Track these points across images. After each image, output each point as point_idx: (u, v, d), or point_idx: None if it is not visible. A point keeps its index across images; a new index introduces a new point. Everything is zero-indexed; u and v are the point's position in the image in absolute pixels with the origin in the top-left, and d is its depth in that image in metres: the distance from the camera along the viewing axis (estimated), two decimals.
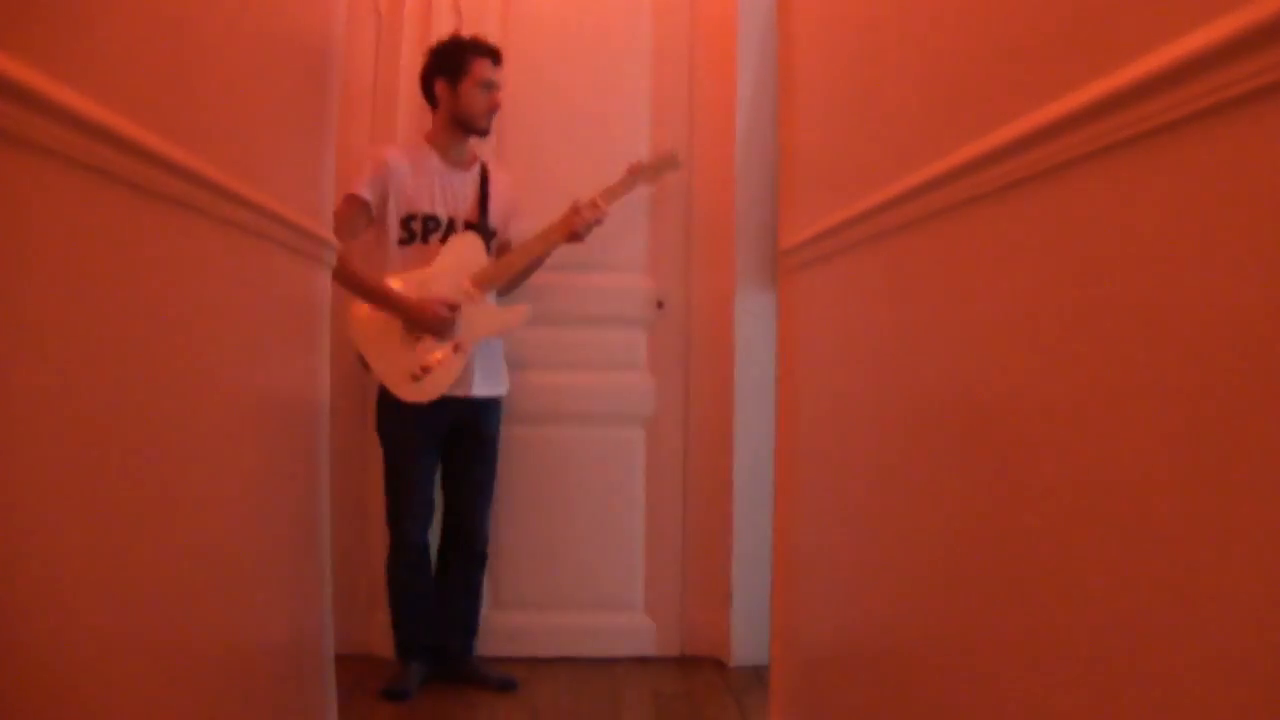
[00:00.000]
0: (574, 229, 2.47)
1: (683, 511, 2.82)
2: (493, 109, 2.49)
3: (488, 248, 2.51)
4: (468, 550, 2.55)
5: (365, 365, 2.47)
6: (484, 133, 2.52)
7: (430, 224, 2.47)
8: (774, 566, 1.97)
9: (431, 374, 2.39)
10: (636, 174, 2.57)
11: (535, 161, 2.79)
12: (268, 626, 1.50)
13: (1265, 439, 0.60)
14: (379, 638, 2.74)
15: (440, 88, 2.48)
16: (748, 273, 2.71)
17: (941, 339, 1.13)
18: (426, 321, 2.39)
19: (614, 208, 2.58)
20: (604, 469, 2.79)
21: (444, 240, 2.47)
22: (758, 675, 2.62)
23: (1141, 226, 0.74)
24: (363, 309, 2.44)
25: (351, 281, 2.36)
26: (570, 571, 2.75)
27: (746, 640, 2.71)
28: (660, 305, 2.80)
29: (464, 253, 2.47)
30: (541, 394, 2.78)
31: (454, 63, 2.47)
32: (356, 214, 2.41)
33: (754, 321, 2.68)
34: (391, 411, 2.45)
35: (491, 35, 2.78)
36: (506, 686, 2.50)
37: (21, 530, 0.81)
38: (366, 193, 2.41)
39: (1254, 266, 0.62)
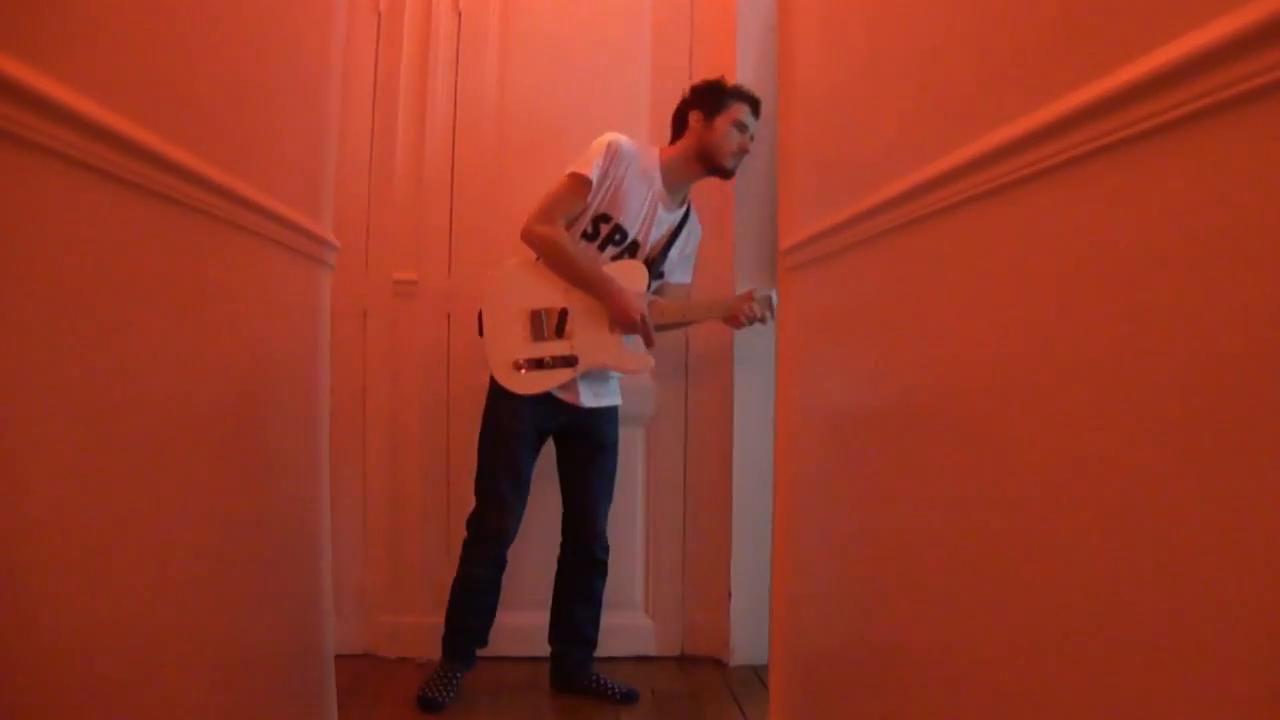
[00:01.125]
0: (737, 316, 2.41)
1: (683, 511, 2.82)
2: (742, 151, 2.44)
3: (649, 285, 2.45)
4: (587, 557, 2.50)
5: (481, 333, 2.42)
6: (727, 173, 2.47)
7: (617, 235, 2.40)
8: (774, 566, 1.97)
9: (534, 373, 2.35)
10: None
11: (534, 162, 2.78)
12: (268, 626, 1.50)
13: (1262, 438, 0.60)
14: (379, 638, 2.74)
15: (694, 117, 2.43)
16: (747, 273, 2.71)
17: (941, 339, 1.13)
18: (624, 316, 2.33)
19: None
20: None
21: (616, 259, 2.41)
22: (758, 675, 2.62)
23: (1140, 226, 0.74)
24: (503, 283, 2.39)
25: (568, 263, 2.32)
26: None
27: (746, 640, 2.72)
28: None
29: (630, 279, 2.39)
30: None
31: (715, 99, 2.43)
32: (578, 194, 2.33)
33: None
34: (500, 396, 2.38)
35: (491, 35, 2.79)
36: (629, 699, 2.45)
37: (22, 530, 0.81)
38: (594, 174, 2.32)
39: (1252, 266, 0.62)
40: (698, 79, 2.82)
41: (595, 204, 2.36)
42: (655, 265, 2.46)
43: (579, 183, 2.33)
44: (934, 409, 1.15)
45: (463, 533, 2.66)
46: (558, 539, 2.57)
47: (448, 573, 2.75)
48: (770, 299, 2.40)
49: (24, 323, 0.81)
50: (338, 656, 1.95)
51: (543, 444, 2.48)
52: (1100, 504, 0.78)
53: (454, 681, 2.41)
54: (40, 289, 0.83)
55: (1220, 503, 0.64)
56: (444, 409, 2.77)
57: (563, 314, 2.37)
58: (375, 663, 2.69)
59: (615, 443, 2.52)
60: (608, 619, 2.72)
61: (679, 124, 2.48)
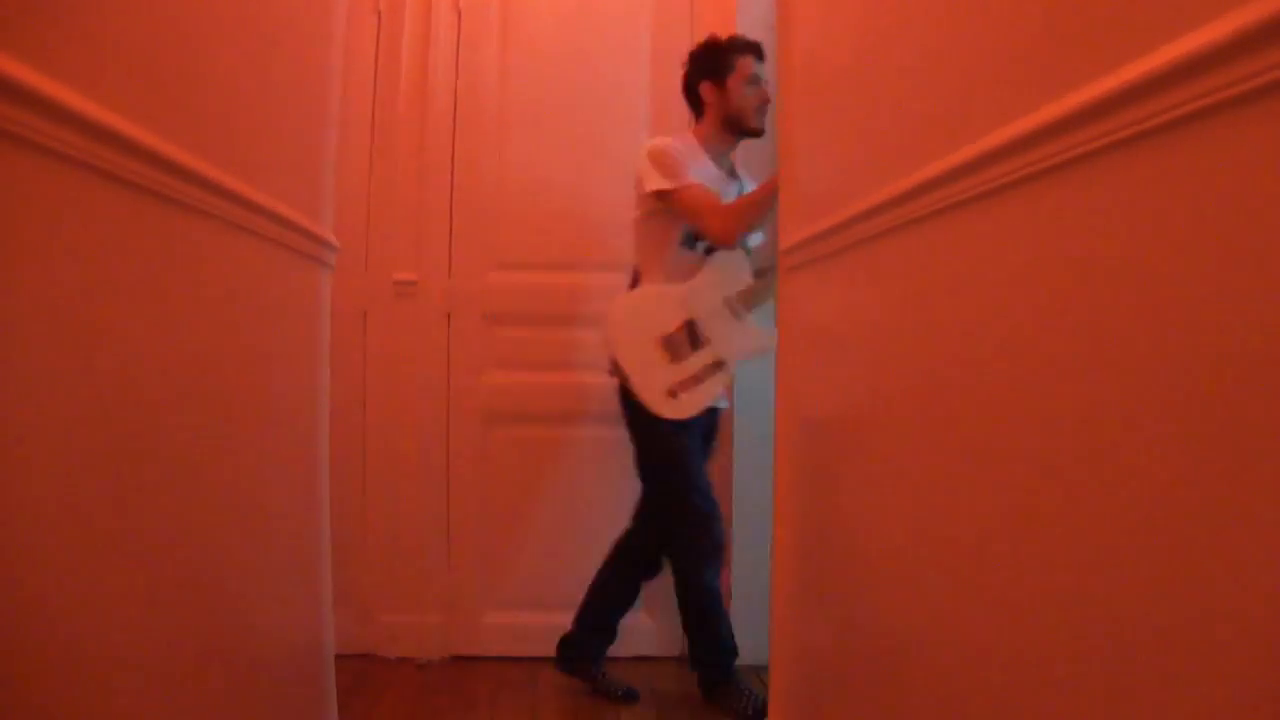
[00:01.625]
0: None
1: None
2: (764, 104, 2.36)
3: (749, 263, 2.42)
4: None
5: (617, 372, 2.38)
6: (758, 132, 2.38)
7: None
8: (774, 566, 1.97)
9: (691, 391, 2.33)
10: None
11: (534, 162, 2.79)
12: (268, 626, 1.50)
13: (1260, 439, 0.60)
14: (379, 638, 2.74)
15: (706, 90, 2.38)
16: None
17: (941, 338, 1.13)
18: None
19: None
20: (604, 469, 2.79)
21: (707, 251, 2.38)
22: (757, 675, 2.62)
23: (1140, 226, 0.74)
24: (623, 324, 2.37)
25: (752, 211, 2.28)
26: (570, 571, 2.75)
27: (746, 640, 2.71)
28: None
29: (729, 269, 2.38)
30: (541, 394, 2.79)
31: (717, 63, 2.37)
32: (703, 191, 2.30)
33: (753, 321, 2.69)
34: (655, 424, 2.35)
35: (491, 36, 2.79)
36: (629, 698, 2.45)
37: (22, 531, 0.81)
38: (693, 177, 2.30)
39: (1252, 267, 0.62)
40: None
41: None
42: (744, 244, 2.43)
43: (689, 189, 2.29)
44: (934, 409, 1.15)
45: (464, 533, 2.67)
46: (545, 540, 2.56)
47: (448, 573, 2.76)
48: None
49: (24, 323, 0.81)
50: (338, 656, 1.95)
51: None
52: (1101, 504, 0.78)
53: (749, 690, 2.36)
54: (40, 289, 0.83)
55: (1220, 503, 0.64)
56: (444, 409, 2.77)
57: (690, 326, 2.35)
58: (375, 663, 2.69)
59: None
60: None
61: (694, 100, 2.43)
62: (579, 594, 2.61)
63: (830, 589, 1.60)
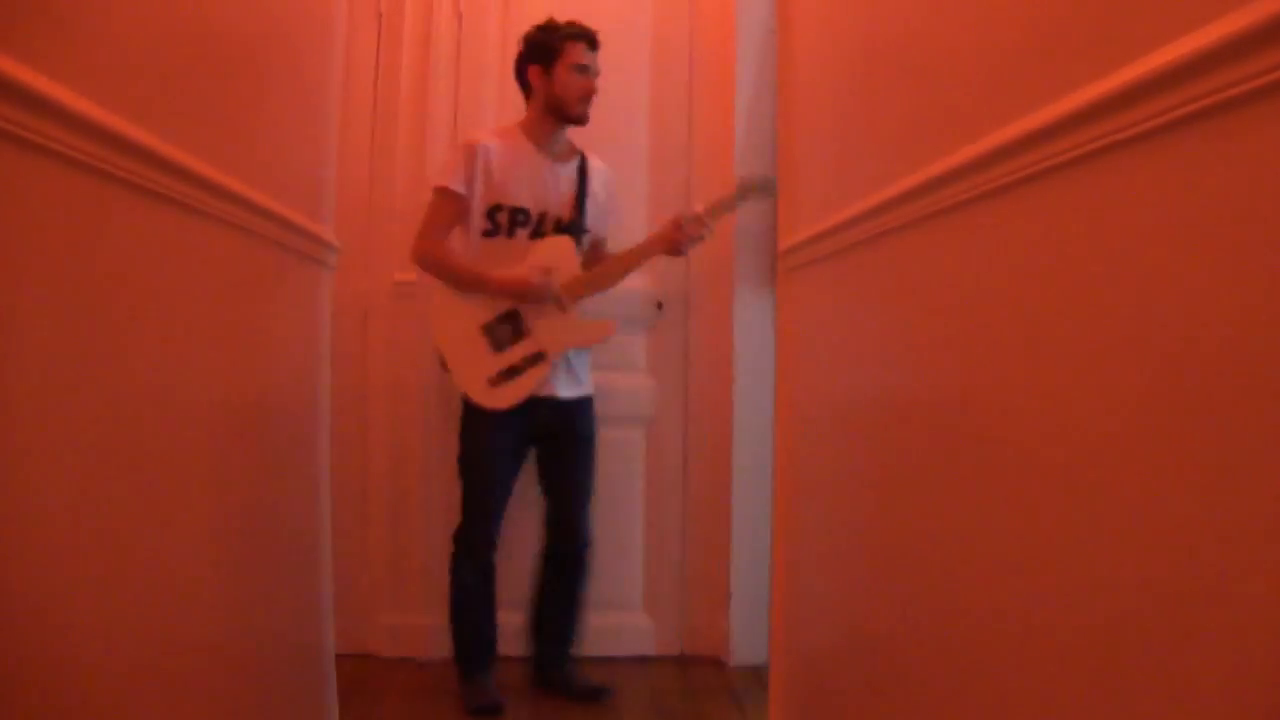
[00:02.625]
0: (676, 244, 2.35)
1: (683, 511, 2.82)
2: (588, 93, 2.37)
3: (579, 247, 2.41)
4: (567, 553, 2.49)
5: (445, 367, 2.41)
6: (580, 120, 2.39)
7: (519, 217, 2.37)
8: (774, 566, 1.97)
9: (511, 381, 2.33)
10: (747, 189, 2.42)
11: None
12: (268, 626, 1.50)
13: (1263, 440, 0.60)
14: (379, 638, 2.74)
15: (534, 74, 2.38)
16: (747, 273, 2.71)
17: (941, 339, 1.13)
18: (522, 293, 2.31)
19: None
20: (604, 469, 2.78)
21: (533, 236, 2.37)
22: (757, 675, 2.62)
23: (1141, 227, 0.74)
24: (444, 311, 2.39)
25: (450, 275, 2.33)
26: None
27: (746, 640, 2.71)
28: (660, 306, 2.79)
29: (555, 257, 2.37)
30: None
31: (547, 48, 2.37)
32: (449, 208, 2.34)
33: (753, 322, 2.69)
34: (475, 415, 2.37)
35: (491, 36, 2.78)
36: (599, 695, 2.44)
37: (22, 530, 0.81)
38: (458, 185, 2.32)
39: (1252, 267, 0.62)
40: (698, 79, 2.82)
41: (478, 201, 2.34)
42: (578, 225, 2.42)
43: (442, 195, 2.34)
44: (934, 409, 1.15)
45: None
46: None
47: (444, 572, 2.74)
48: (699, 215, 2.35)
49: (24, 323, 0.81)
50: (338, 656, 1.95)
51: (527, 450, 2.46)
52: (1102, 502, 0.78)
53: (488, 687, 2.40)
54: (40, 289, 0.83)
55: (1223, 503, 0.64)
56: (445, 409, 2.76)
57: (514, 315, 2.35)
58: (375, 663, 2.69)
59: (593, 436, 2.49)
60: (607, 619, 2.73)
61: (523, 84, 2.44)
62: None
63: (830, 589, 1.60)
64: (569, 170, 2.44)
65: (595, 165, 2.50)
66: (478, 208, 2.35)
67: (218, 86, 1.23)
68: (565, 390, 2.39)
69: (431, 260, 2.36)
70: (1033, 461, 0.89)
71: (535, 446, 2.48)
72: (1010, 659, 0.93)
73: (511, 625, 2.67)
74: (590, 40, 2.38)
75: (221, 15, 1.24)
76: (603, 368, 2.79)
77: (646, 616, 2.81)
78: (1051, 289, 0.87)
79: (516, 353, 2.34)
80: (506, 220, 2.36)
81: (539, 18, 2.81)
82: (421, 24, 2.76)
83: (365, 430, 2.75)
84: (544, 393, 2.36)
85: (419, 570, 2.74)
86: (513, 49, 2.79)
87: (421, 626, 2.72)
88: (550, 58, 2.36)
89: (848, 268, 1.52)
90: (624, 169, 2.70)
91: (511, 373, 2.33)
